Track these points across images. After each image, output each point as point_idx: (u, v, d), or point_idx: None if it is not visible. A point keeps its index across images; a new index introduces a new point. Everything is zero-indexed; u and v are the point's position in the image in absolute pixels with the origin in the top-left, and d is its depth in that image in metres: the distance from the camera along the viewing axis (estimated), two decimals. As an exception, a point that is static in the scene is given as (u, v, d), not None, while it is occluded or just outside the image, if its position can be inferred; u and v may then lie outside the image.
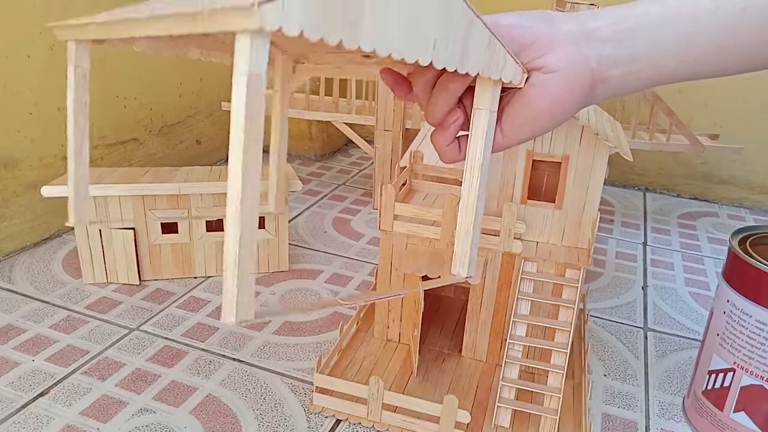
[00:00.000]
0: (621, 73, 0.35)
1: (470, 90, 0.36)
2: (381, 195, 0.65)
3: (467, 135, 0.37)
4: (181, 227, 0.86)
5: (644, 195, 1.36)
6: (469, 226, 0.38)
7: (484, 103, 0.35)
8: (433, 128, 0.38)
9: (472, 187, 0.37)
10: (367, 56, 0.34)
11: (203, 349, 0.74)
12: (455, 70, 0.31)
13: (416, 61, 0.28)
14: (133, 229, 0.84)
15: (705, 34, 0.34)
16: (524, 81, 0.35)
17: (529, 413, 0.62)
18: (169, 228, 0.86)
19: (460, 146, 0.39)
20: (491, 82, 0.34)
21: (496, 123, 0.36)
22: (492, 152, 0.37)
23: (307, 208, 1.17)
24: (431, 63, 0.28)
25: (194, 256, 0.88)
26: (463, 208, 0.38)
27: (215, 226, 0.88)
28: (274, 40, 0.24)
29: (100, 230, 0.83)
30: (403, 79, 0.38)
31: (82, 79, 0.38)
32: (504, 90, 0.36)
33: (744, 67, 0.35)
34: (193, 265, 0.89)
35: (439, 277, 0.62)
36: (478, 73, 0.32)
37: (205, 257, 0.89)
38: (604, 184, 0.62)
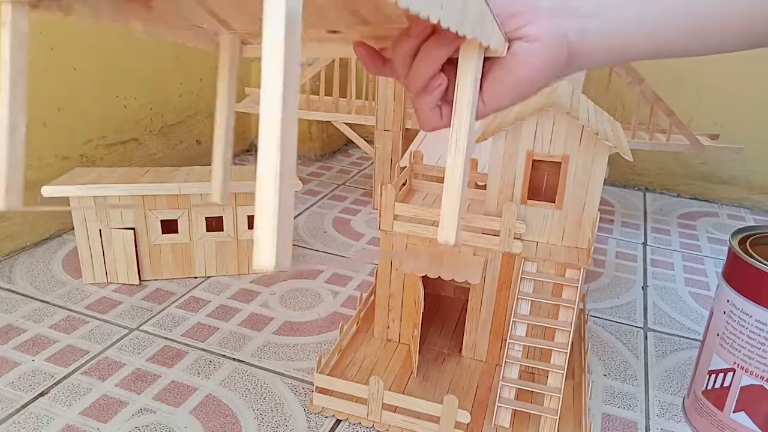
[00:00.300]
0: (598, 48, 0.37)
1: (449, 62, 0.37)
2: (381, 195, 0.65)
3: (449, 103, 0.38)
4: (181, 227, 0.86)
5: (644, 195, 1.36)
6: (458, 190, 0.38)
7: (470, 69, 0.36)
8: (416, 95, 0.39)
9: (458, 150, 0.37)
10: (333, 32, 0.34)
11: (203, 349, 0.74)
12: (449, 30, 0.31)
13: (406, 29, 0.27)
14: (133, 229, 0.84)
15: (686, 14, 0.35)
16: (506, 50, 0.37)
17: (529, 413, 0.62)
18: (169, 228, 0.86)
19: (441, 113, 0.40)
20: (477, 49, 0.35)
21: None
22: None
23: (307, 208, 1.17)
24: (439, 22, 0.28)
25: (194, 256, 0.88)
26: (450, 172, 0.38)
27: (215, 225, 0.88)
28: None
29: (100, 230, 0.83)
30: (376, 53, 0.39)
31: (20, 44, 0.36)
32: (484, 59, 0.37)
33: (727, 47, 0.37)
34: (193, 265, 0.89)
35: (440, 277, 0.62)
36: (463, 40, 0.33)
37: (205, 257, 0.89)
38: (604, 184, 0.62)
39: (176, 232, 0.86)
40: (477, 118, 0.38)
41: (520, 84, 0.38)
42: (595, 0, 0.36)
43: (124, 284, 0.86)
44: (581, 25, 0.36)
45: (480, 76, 0.37)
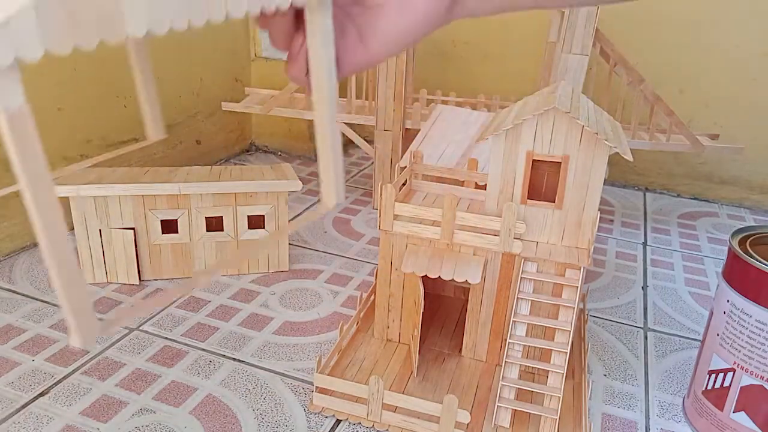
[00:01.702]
0: None
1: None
2: (381, 195, 0.65)
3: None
4: (181, 227, 0.86)
5: (644, 195, 1.36)
6: (336, 141, 0.37)
7: (317, 27, 0.35)
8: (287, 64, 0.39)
9: (322, 107, 0.36)
10: None
11: (203, 349, 0.74)
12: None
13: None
14: (133, 229, 0.84)
15: None
16: None
17: (529, 413, 0.62)
18: (169, 228, 0.86)
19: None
20: (316, 4, 0.34)
21: (359, 39, 0.37)
22: (360, 68, 0.38)
23: (307, 208, 1.17)
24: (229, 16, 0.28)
25: (194, 256, 0.88)
26: (318, 133, 0.37)
27: (215, 225, 0.88)
28: None
29: (100, 230, 0.83)
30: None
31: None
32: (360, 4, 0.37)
33: None
34: (193, 265, 0.89)
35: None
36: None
37: (205, 257, 0.89)
38: (604, 184, 0.62)
39: (176, 232, 0.86)
40: (364, 64, 0.38)
41: (403, 31, 0.38)
42: None
43: (124, 284, 0.86)
44: None
45: (330, 29, 0.36)
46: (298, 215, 1.13)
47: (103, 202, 0.82)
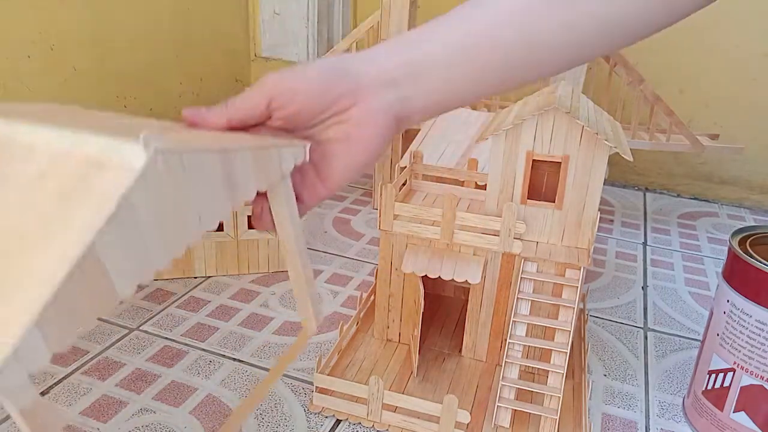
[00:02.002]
0: (420, 107, 0.40)
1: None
2: (381, 195, 0.65)
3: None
4: None
5: (644, 195, 1.36)
6: (309, 277, 0.44)
7: (281, 202, 0.39)
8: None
9: (299, 254, 0.42)
10: None
11: (203, 349, 0.74)
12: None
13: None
14: None
15: (491, 71, 0.39)
16: (307, 152, 0.39)
17: (529, 413, 0.62)
18: None
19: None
20: (277, 182, 0.38)
21: (318, 177, 0.41)
22: (322, 200, 0.42)
23: (307, 208, 1.17)
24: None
25: (194, 256, 0.88)
26: (292, 267, 0.43)
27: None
28: None
29: None
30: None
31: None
32: (316, 144, 0.40)
33: (522, 82, 0.41)
34: (193, 265, 0.89)
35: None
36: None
37: (205, 257, 0.89)
38: (604, 184, 0.62)
39: None
40: (324, 198, 0.42)
41: (357, 161, 0.40)
42: (403, 66, 0.39)
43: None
44: (401, 93, 0.39)
45: (291, 193, 0.40)
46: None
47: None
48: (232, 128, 0.40)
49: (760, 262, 0.55)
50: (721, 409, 0.61)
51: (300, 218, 0.41)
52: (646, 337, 0.81)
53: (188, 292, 0.86)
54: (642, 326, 0.84)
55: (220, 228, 0.88)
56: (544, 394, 0.61)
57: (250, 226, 0.89)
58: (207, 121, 0.39)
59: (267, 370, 0.70)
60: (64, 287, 0.23)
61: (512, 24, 0.38)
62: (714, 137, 1.14)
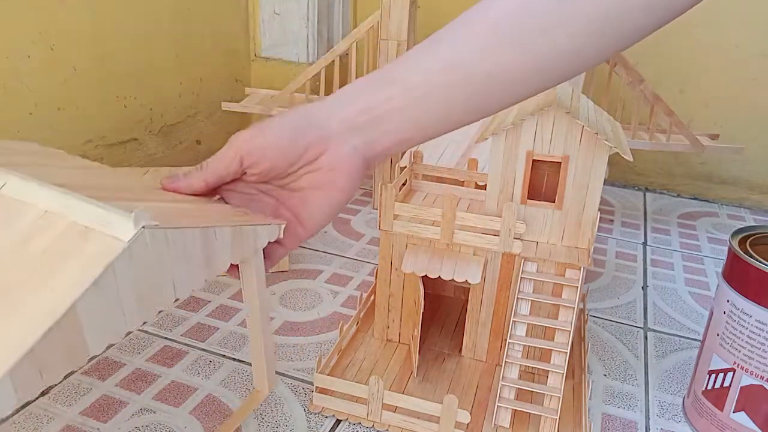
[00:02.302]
0: (386, 147, 0.42)
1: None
2: (381, 195, 0.65)
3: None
4: None
5: (644, 195, 1.36)
6: (270, 348, 0.49)
7: (251, 275, 0.43)
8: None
9: (261, 322, 0.47)
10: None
11: (203, 349, 0.74)
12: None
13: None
14: None
15: (454, 107, 0.41)
16: (281, 231, 0.43)
17: (529, 413, 0.62)
18: None
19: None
20: (250, 256, 0.41)
21: (296, 220, 0.43)
22: (302, 242, 0.45)
23: (307, 208, 1.17)
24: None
25: None
26: (254, 344, 0.48)
27: None
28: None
29: None
30: None
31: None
32: (292, 192, 0.43)
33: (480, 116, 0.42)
34: None
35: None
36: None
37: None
38: (604, 184, 0.62)
39: None
40: (303, 241, 0.45)
41: (333, 206, 0.43)
42: (365, 112, 0.41)
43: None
44: (365, 137, 0.41)
45: (262, 271, 0.43)
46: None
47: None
48: (210, 188, 0.42)
49: (760, 262, 0.55)
50: (721, 409, 0.61)
51: (279, 262, 0.46)
52: (646, 337, 0.81)
53: (188, 292, 0.86)
54: (642, 326, 0.84)
55: None
56: (544, 394, 0.61)
57: None
58: (187, 188, 0.41)
59: (267, 370, 0.71)
60: (43, 340, 0.24)
61: (471, 62, 0.39)
62: (714, 137, 1.14)
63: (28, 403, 0.63)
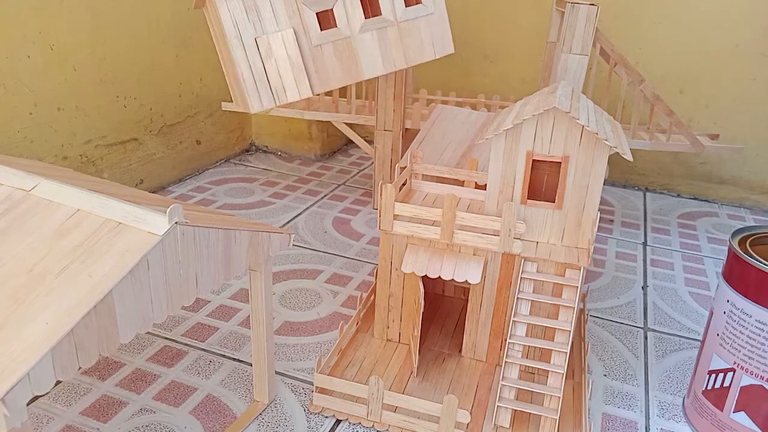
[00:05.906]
0: None
1: None
2: (381, 195, 0.65)
3: None
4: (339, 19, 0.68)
5: (644, 195, 1.36)
6: (271, 354, 0.53)
7: (259, 281, 0.49)
8: None
9: (265, 326, 0.53)
10: None
11: (203, 349, 0.74)
12: None
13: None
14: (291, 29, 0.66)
15: None
16: (291, 241, 0.48)
17: (529, 413, 0.62)
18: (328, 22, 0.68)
19: None
20: (263, 262, 0.46)
21: None
22: None
23: (307, 208, 1.17)
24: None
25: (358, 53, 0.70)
26: (256, 338, 0.52)
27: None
28: None
29: (255, 39, 0.65)
30: None
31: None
32: None
33: None
34: (359, 65, 0.69)
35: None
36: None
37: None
38: (604, 184, 0.62)
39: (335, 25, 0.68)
40: None
41: None
42: None
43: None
44: None
45: (270, 278, 0.50)
46: (297, 215, 1.13)
47: (252, 4, 0.64)
48: None
49: (760, 262, 0.55)
50: (721, 409, 0.61)
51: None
52: (646, 337, 0.81)
53: (188, 292, 0.86)
54: (642, 326, 0.84)
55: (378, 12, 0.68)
56: (544, 394, 0.61)
57: (408, 3, 0.70)
58: None
59: (267, 370, 0.71)
60: (81, 323, 0.26)
61: None
62: (714, 137, 1.14)
63: (28, 403, 0.63)
